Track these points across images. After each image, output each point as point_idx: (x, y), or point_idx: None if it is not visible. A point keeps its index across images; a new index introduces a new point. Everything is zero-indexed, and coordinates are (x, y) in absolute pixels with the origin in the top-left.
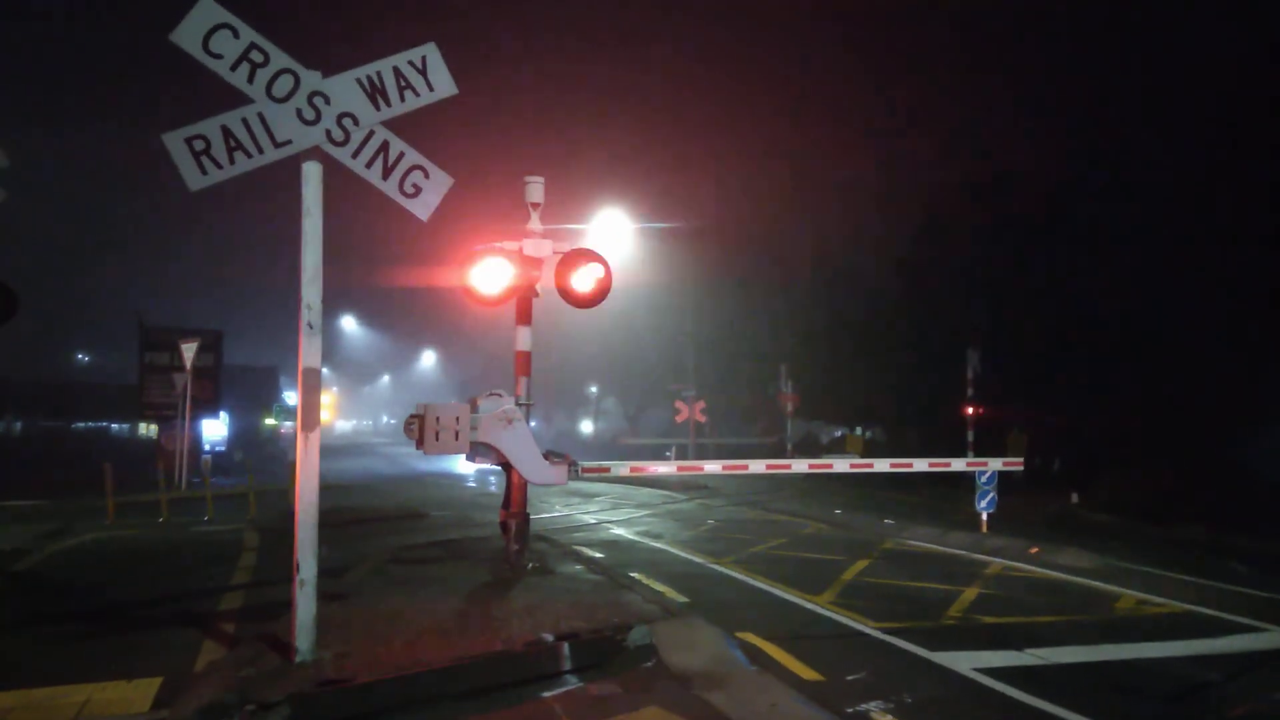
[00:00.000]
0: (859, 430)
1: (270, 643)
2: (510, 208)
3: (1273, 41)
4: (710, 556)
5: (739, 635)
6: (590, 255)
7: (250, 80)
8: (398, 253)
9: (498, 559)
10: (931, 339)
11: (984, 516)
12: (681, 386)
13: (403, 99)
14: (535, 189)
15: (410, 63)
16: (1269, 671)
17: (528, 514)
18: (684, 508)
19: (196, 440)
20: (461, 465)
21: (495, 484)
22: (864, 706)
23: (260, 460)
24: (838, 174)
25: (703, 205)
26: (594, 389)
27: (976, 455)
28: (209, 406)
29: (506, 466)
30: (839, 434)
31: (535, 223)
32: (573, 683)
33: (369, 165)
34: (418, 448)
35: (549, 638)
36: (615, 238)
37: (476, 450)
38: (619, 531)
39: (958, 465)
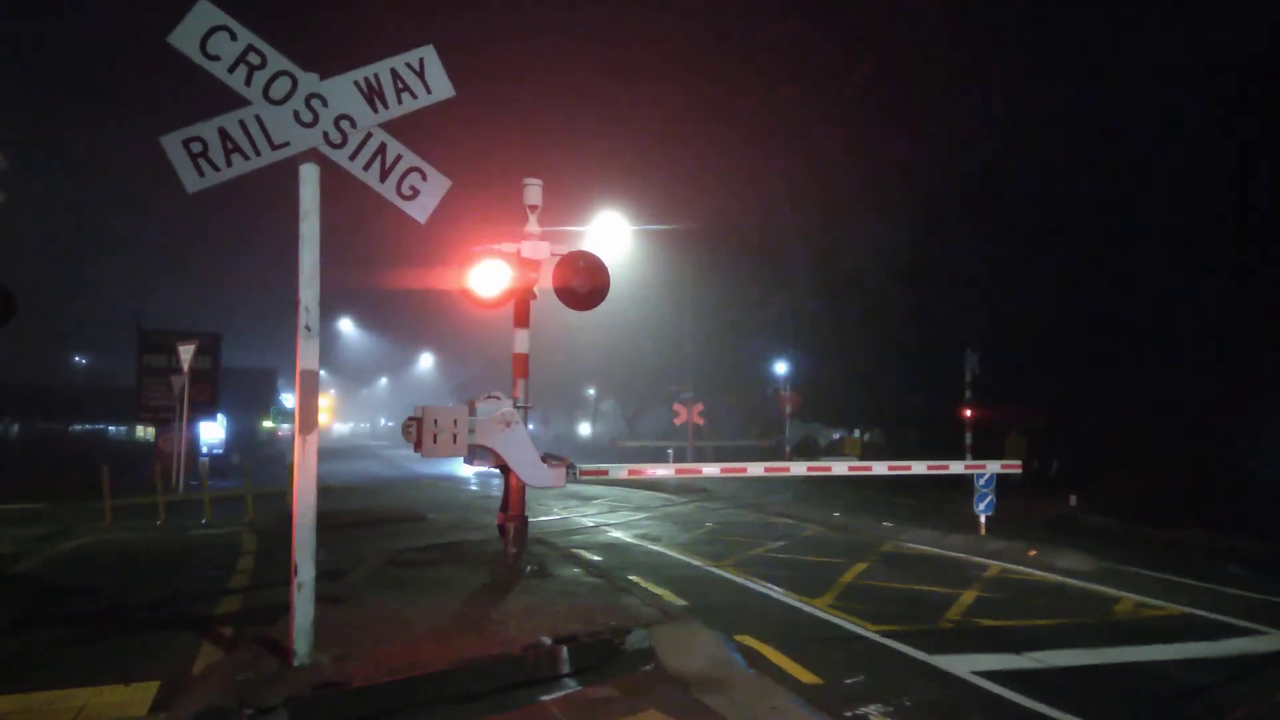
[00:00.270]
0: (857, 433)
1: (268, 646)
2: (508, 210)
3: (1272, 40)
4: (709, 559)
5: (738, 638)
6: (588, 257)
7: (248, 82)
8: (395, 255)
9: (496, 562)
10: (930, 341)
11: (982, 519)
12: (680, 389)
13: (400, 101)
14: (533, 191)
15: (408, 65)
16: (1268, 675)
17: (526, 517)
18: (682, 510)
19: (194, 443)
20: (463, 468)
21: (496, 486)
22: (863, 710)
23: (258, 463)
24: (836, 175)
25: (701, 207)
26: (592, 391)
27: (975, 458)
28: (207, 409)
29: (504, 469)
30: (837, 436)
31: (533, 225)
32: (571, 686)
33: (366, 167)
34: (415, 450)
35: (547, 641)
36: (613, 240)
37: (475, 453)
38: (617, 534)
39: (956, 468)
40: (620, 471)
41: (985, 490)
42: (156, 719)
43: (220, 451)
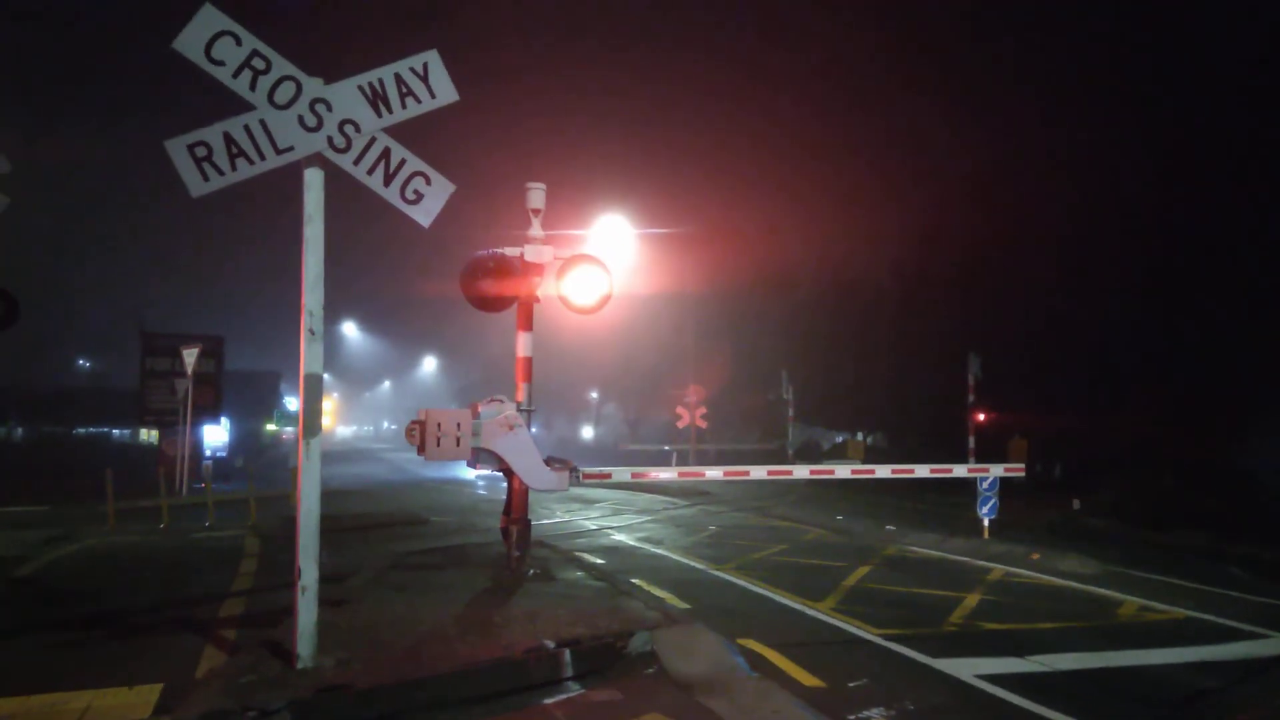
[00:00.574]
0: (860, 436)
1: (271, 649)
2: (512, 214)
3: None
4: (711, 563)
5: (740, 642)
6: (591, 261)
7: (252, 87)
8: (399, 259)
9: (499, 565)
10: (933, 344)
11: (985, 522)
12: (682, 392)
13: (404, 106)
14: (536, 195)
15: (412, 70)
16: (1271, 678)
17: (529, 520)
18: (685, 513)
19: (197, 446)
20: (465, 471)
21: (499, 490)
22: (866, 713)
23: (261, 466)
24: (839, 180)
25: (704, 211)
26: (595, 394)
27: (978, 461)
28: (210, 412)
29: (507, 472)
30: (840, 440)
31: (536, 229)
32: (574, 690)
33: (370, 172)
34: (419, 454)
35: (550, 644)
36: (616, 244)
37: (478, 456)
38: (620, 537)
39: (959, 471)
40: (623, 475)
41: (988, 493)
42: None
43: (223, 455)
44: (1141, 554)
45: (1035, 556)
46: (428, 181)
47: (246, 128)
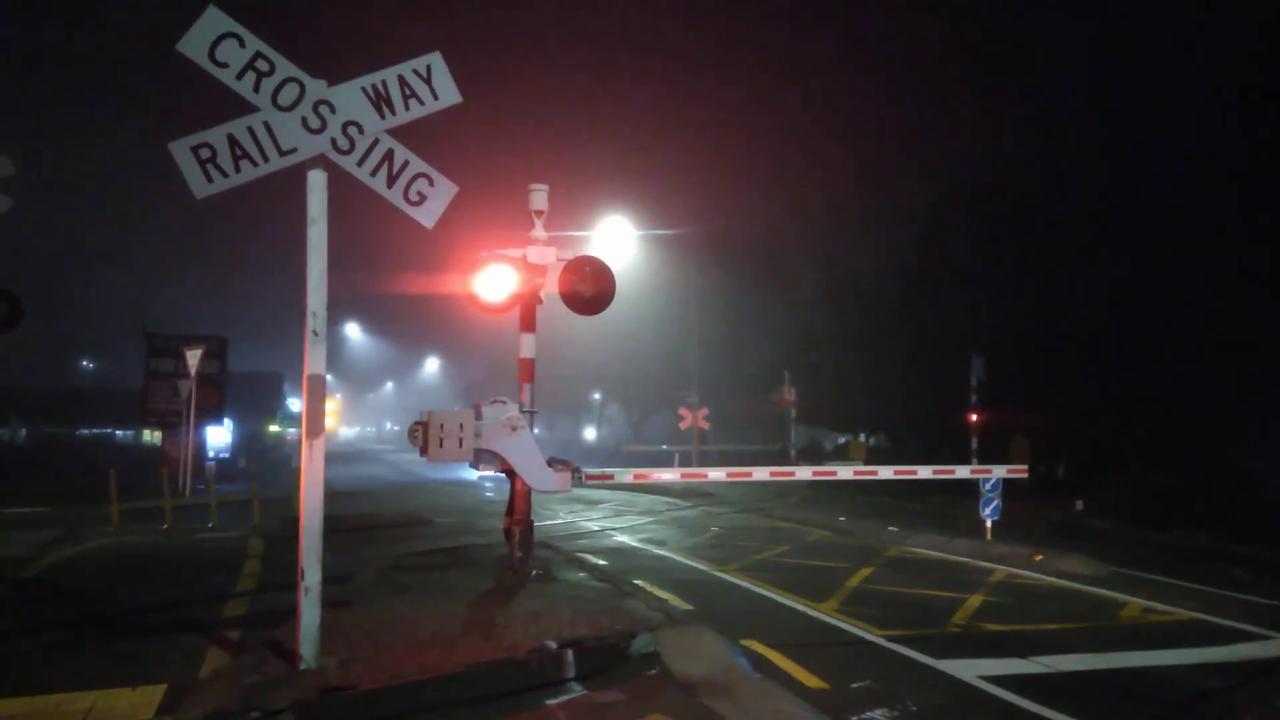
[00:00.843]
0: (863, 437)
1: (275, 650)
2: (514, 215)
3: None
4: (714, 564)
5: (743, 643)
6: (594, 262)
7: (256, 89)
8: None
9: (501, 566)
10: (935, 345)
11: (988, 523)
12: (685, 393)
13: (408, 107)
14: (539, 196)
15: (415, 71)
16: (1274, 679)
17: (531, 521)
18: (687, 514)
19: (201, 447)
20: (467, 472)
21: (502, 490)
22: (869, 715)
23: (264, 467)
24: (840, 181)
25: (706, 212)
26: (597, 396)
27: (980, 462)
28: (213, 413)
29: (510, 473)
30: (843, 441)
31: (539, 230)
32: (576, 690)
33: (374, 173)
34: (422, 455)
35: (553, 645)
36: (619, 245)
37: (481, 457)
38: (622, 538)
39: (962, 472)
40: (625, 476)
41: (991, 495)
42: None
43: (227, 455)
44: (1144, 555)
45: (1038, 558)
46: (431, 183)
47: (250, 130)
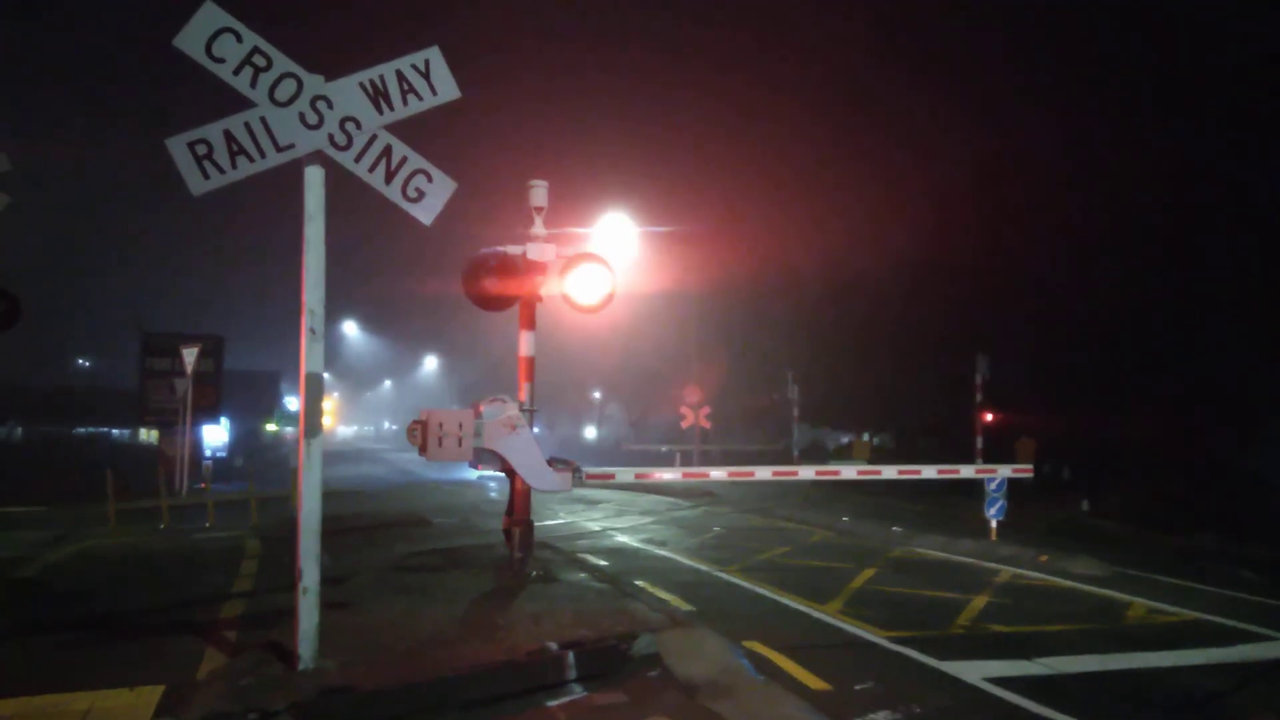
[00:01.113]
0: (866, 436)
1: (273, 651)
2: (514, 212)
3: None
4: (716, 564)
5: (746, 644)
6: (594, 259)
7: (253, 85)
8: (400, 257)
9: (501, 566)
10: (939, 344)
11: (993, 524)
12: (686, 391)
13: (406, 103)
14: (539, 193)
15: (413, 66)
16: None
17: (531, 521)
18: (689, 515)
19: (197, 446)
20: (473, 472)
21: (501, 490)
22: (873, 717)
23: (261, 466)
24: (843, 177)
25: (708, 209)
26: (597, 394)
27: (985, 462)
28: (210, 412)
29: (510, 473)
30: (846, 440)
31: (539, 227)
32: (577, 692)
33: (372, 170)
34: (421, 454)
35: (553, 646)
36: (619, 242)
37: (480, 457)
38: (623, 539)
39: (966, 472)
40: (626, 475)
41: (996, 495)
42: None
43: (223, 455)
44: (1150, 556)
45: (1043, 558)
46: (429, 179)
47: (247, 125)
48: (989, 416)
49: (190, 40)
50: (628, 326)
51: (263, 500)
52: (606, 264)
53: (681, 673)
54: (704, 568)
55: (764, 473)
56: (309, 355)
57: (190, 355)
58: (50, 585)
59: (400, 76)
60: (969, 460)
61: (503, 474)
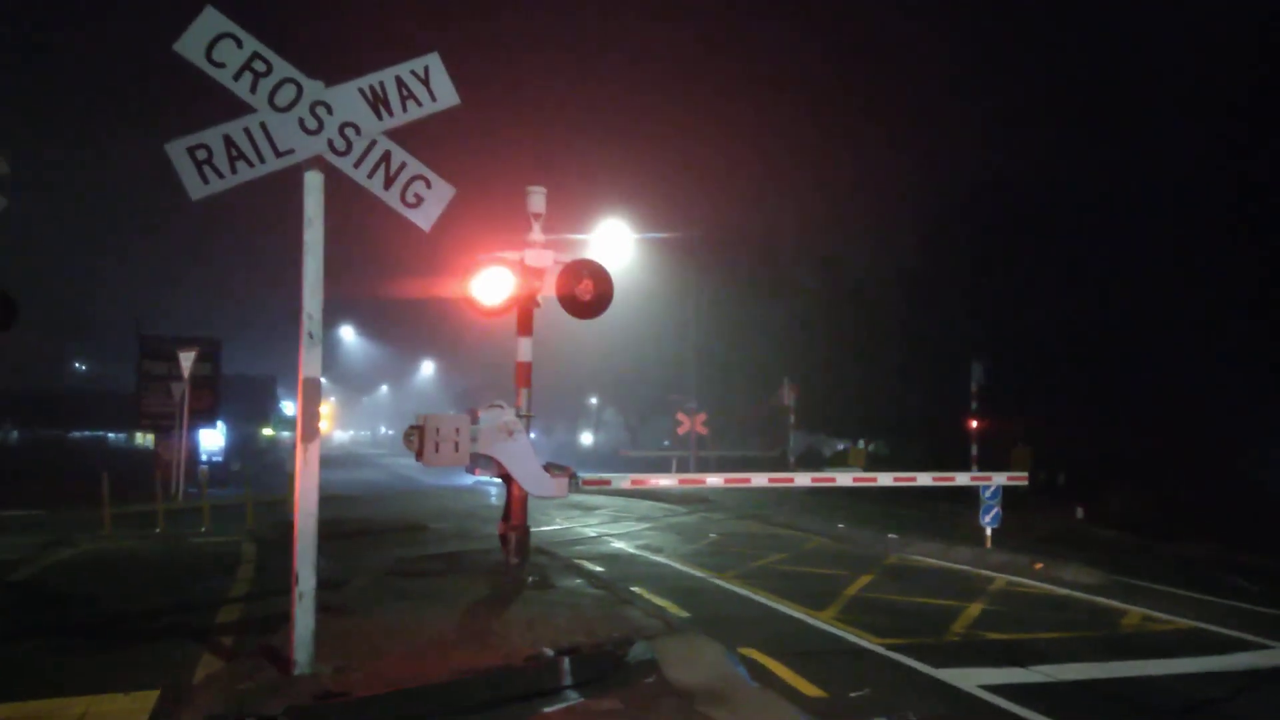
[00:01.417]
0: (862, 443)
1: (268, 655)
2: (512, 218)
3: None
4: (712, 571)
5: (741, 651)
6: (591, 266)
7: (253, 89)
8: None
9: (498, 572)
10: (935, 351)
11: (988, 531)
12: (683, 398)
13: (405, 109)
14: (537, 199)
15: (413, 72)
16: (1276, 689)
17: (528, 527)
18: (685, 521)
19: (194, 450)
20: (470, 477)
21: (498, 496)
22: None
23: (258, 470)
24: (839, 186)
25: (705, 216)
26: (594, 400)
27: (980, 469)
28: (207, 416)
29: (506, 478)
30: (842, 447)
31: (537, 233)
32: (573, 698)
33: (371, 175)
34: (417, 459)
35: (549, 652)
36: (617, 248)
37: (477, 462)
38: (619, 545)
39: (961, 479)
40: (623, 481)
41: (991, 502)
42: None
43: (220, 459)
44: (1146, 563)
45: (1038, 566)
46: (428, 185)
47: (247, 130)
48: (983, 423)
49: (191, 45)
50: (625, 332)
51: (259, 504)
52: (604, 269)
53: (677, 679)
54: (700, 574)
55: (760, 479)
56: (307, 360)
57: (187, 359)
58: (45, 589)
59: (400, 82)
60: (964, 467)
61: (499, 479)
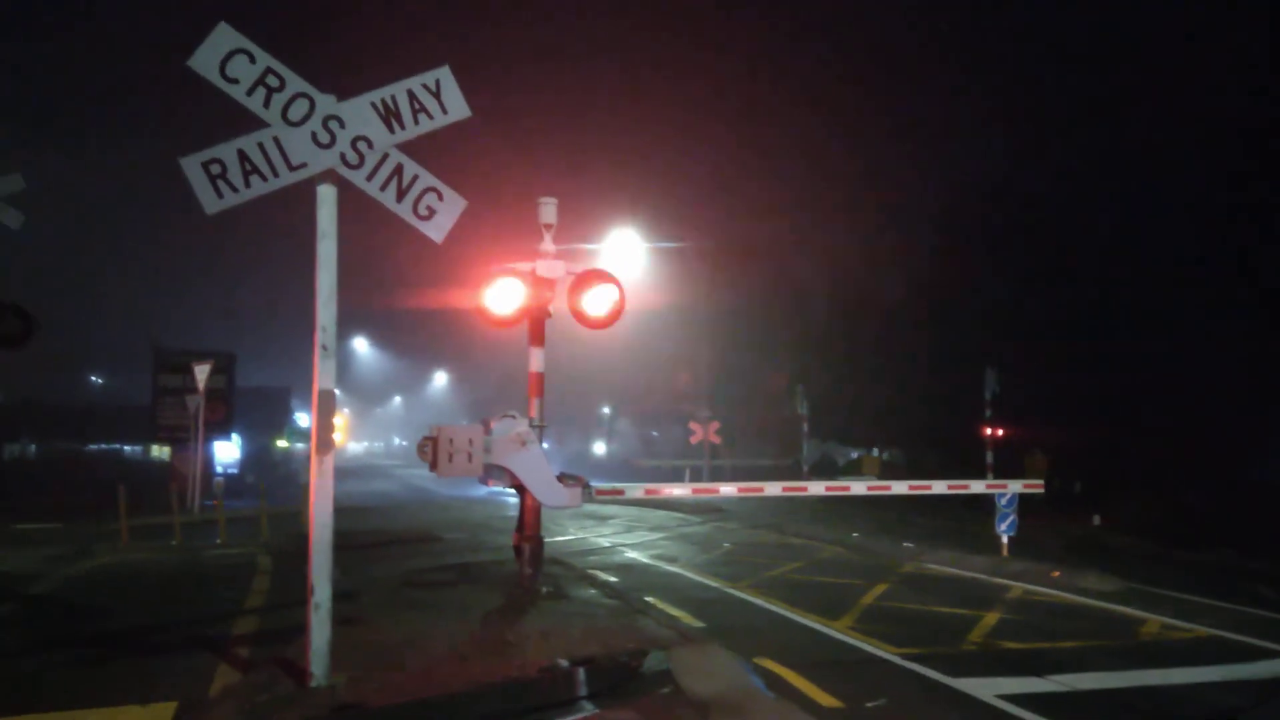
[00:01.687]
0: (876, 452)
1: (284, 667)
2: (523, 229)
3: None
4: (726, 581)
5: (757, 661)
6: (603, 276)
7: (266, 104)
8: (411, 274)
9: (512, 583)
10: (950, 359)
11: (1004, 539)
12: (696, 407)
13: (417, 122)
14: (548, 210)
15: (424, 86)
16: None
17: (541, 537)
18: (699, 531)
19: (209, 462)
20: (483, 488)
21: (511, 506)
22: None
23: (273, 482)
24: (854, 194)
25: (718, 225)
26: (607, 410)
27: (996, 477)
28: (222, 428)
29: (520, 489)
30: (856, 455)
31: (548, 244)
32: (588, 709)
33: (383, 188)
34: (431, 470)
35: (564, 663)
36: (628, 258)
37: (490, 473)
38: (633, 555)
39: (977, 487)
40: (636, 491)
41: (1007, 510)
42: None
43: (235, 471)
44: (1164, 571)
45: (1055, 574)
46: (440, 197)
47: (260, 145)
48: (999, 431)
49: (204, 61)
50: (638, 342)
51: (274, 516)
52: (616, 280)
53: (693, 690)
54: (714, 584)
55: (774, 488)
56: (321, 372)
57: (202, 372)
58: (63, 601)
59: (411, 96)
60: (980, 475)
61: (513, 490)
